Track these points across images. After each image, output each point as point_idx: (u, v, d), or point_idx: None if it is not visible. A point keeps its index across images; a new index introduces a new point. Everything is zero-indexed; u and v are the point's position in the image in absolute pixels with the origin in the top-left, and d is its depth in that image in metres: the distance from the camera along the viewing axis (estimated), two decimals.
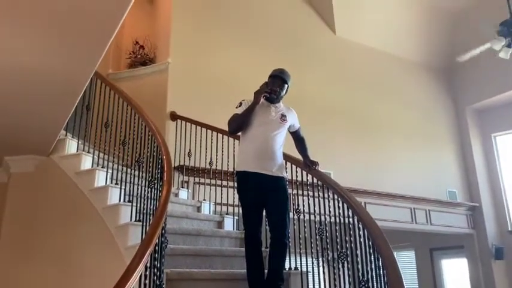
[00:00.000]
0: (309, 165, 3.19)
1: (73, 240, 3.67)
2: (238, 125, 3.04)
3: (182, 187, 4.77)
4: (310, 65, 6.68)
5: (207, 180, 4.65)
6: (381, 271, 2.18)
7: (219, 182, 4.57)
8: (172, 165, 3.92)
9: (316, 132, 6.13)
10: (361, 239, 2.47)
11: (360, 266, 2.47)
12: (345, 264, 2.67)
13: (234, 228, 4.15)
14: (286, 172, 3.22)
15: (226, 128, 4.54)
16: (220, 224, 4.16)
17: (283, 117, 3.09)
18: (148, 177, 3.33)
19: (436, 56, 8.37)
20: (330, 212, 2.98)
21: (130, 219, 3.37)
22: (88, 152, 4.06)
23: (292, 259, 3.22)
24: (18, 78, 2.81)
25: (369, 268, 2.34)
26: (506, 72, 7.52)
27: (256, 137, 2.99)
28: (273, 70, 3.16)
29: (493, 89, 7.94)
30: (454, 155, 8.11)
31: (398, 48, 7.86)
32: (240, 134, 3.11)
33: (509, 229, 7.80)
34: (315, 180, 3.25)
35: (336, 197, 2.94)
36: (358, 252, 2.50)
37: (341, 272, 2.72)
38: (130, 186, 3.56)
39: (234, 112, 3.07)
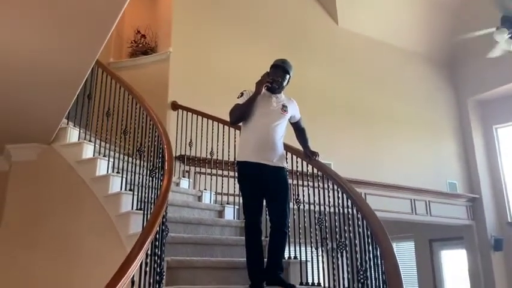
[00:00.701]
0: (309, 155, 3.20)
1: (74, 228, 3.70)
2: (240, 115, 3.05)
3: (183, 177, 4.79)
4: (311, 56, 6.66)
5: (208, 170, 4.67)
6: (379, 261, 2.21)
7: (219, 172, 4.58)
8: (174, 155, 3.94)
9: (317, 123, 6.14)
10: (360, 229, 2.49)
11: (358, 256, 2.50)
12: (344, 254, 2.69)
13: (234, 218, 4.18)
14: (287, 162, 3.24)
15: (227, 118, 4.55)
16: (220, 214, 4.19)
17: (284, 108, 3.10)
18: (150, 166, 3.35)
19: (438, 47, 8.34)
20: (329, 202, 3.00)
21: (132, 208, 3.39)
22: (89, 140, 4.07)
23: (292, 248, 3.24)
24: (19, 66, 2.82)
25: (367, 258, 2.37)
26: (508, 64, 7.50)
27: (257, 127, 3.01)
28: (275, 60, 3.15)
29: (495, 80, 7.92)
30: (454, 147, 8.12)
31: (400, 39, 7.83)
32: (241, 124, 3.12)
33: (509, 220, 7.83)
34: (315, 171, 3.26)
35: (335, 187, 2.96)
36: (357, 242, 2.52)
37: (340, 262, 2.75)
38: (131, 175, 3.58)
39: (235, 102, 3.08)
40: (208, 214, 4.10)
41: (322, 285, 2.96)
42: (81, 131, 4.17)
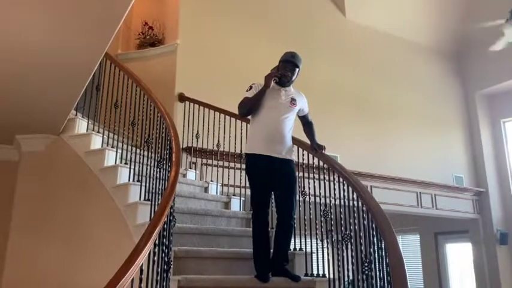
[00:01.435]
0: (315, 148, 3.22)
1: (83, 218, 3.76)
2: (249, 108, 3.07)
3: (190, 168, 4.83)
4: (319, 48, 6.64)
5: (215, 162, 4.71)
6: (383, 253, 2.24)
7: (226, 164, 4.62)
8: (181, 147, 3.98)
9: (324, 116, 6.14)
10: (365, 222, 2.51)
11: (363, 248, 2.52)
12: (349, 246, 2.72)
13: (240, 209, 4.22)
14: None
15: (234, 111, 4.60)
16: (227, 205, 4.23)
17: (293, 101, 3.12)
18: (157, 157, 3.39)
19: (447, 40, 8.28)
20: (335, 194, 3.02)
21: (140, 199, 3.43)
22: (98, 132, 4.11)
23: (297, 240, 3.28)
24: (29, 58, 2.85)
25: (371, 250, 2.39)
26: None
27: (266, 120, 3.03)
28: (284, 54, 3.14)
29: (503, 74, 7.87)
30: (461, 140, 8.09)
31: (409, 32, 7.78)
32: (250, 117, 3.15)
33: None
34: (321, 163, 3.28)
35: (341, 180, 2.98)
36: (362, 234, 2.55)
37: (344, 254, 2.78)
38: (139, 166, 3.61)
39: (244, 95, 3.10)
40: (214, 205, 4.14)
41: (327, 277, 2.98)
42: (90, 122, 4.21)
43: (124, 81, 4.20)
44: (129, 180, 3.63)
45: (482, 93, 8.35)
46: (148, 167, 3.46)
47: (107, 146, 3.98)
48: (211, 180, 4.57)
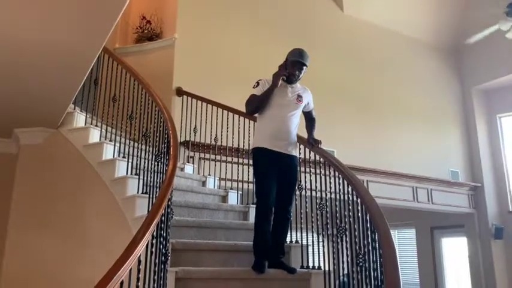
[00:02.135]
0: (312, 143, 3.26)
1: (81, 210, 3.79)
2: (257, 106, 3.11)
3: (188, 162, 4.87)
4: (316, 43, 6.65)
5: (212, 156, 4.74)
6: (377, 245, 2.28)
7: (223, 158, 4.65)
8: (178, 141, 4.00)
9: (321, 110, 6.10)
10: (360, 214, 2.55)
11: (357, 240, 2.57)
12: (344, 239, 2.76)
13: (237, 203, 4.26)
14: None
15: (231, 105, 4.65)
16: (224, 199, 4.27)
17: (299, 97, 3.17)
18: (155, 151, 3.42)
19: (444, 35, 8.30)
20: (330, 188, 3.06)
21: (138, 192, 3.47)
22: (96, 125, 4.14)
23: (294, 233, 3.32)
24: (28, 51, 2.87)
25: (365, 242, 2.43)
26: None
27: (273, 117, 3.08)
28: (293, 52, 3.14)
29: (500, 69, 7.91)
30: (458, 135, 8.14)
31: (406, 27, 7.80)
32: (256, 114, 3.18)
33: (510, 209, 7.88)
34: (318, 157, 3.32)
35: (337, 174, 3.01)
36: (356, 227, 2.59)
37: (339, 246, 2.82)
38: (137, 159, 3.65)
39: (251, 92, 3.13)
40: (212, 199, 4.18)
41: (323, 269, 3.03)
42: (88, 115, 4.23)
43: (122, 75, 4.22)
44: (127, 173, 3.67)
45: (479, 88, 8.39)
46: (146, 161, 3.49)
47: (105, 139, 4.00)
48: (209, 174, 4.61)
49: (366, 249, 2.41)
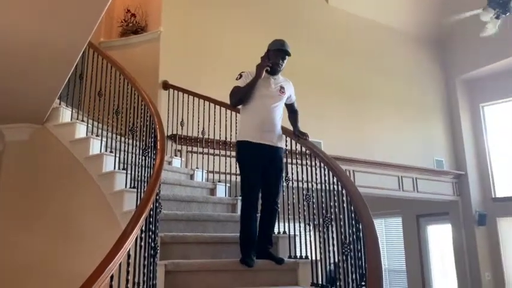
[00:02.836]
0: (298, 135, 3.29)
1: (70, 206, 3.79)
2: (241, 98, 3.13)
3: (175, 155, 4.88)
4: (301, 34, 6.68)
5: (200, 149, 4.76)
6: (361, 234, 2.34)
7: (211, 151, 4.67)
8: (166, 134, 4.01)
9: (307, 102, 6.19)
10: (344, 205, 2.61)
11: (343, 230, 2.63)
12: (330, 228, 2.82)
13: (226, 195, 4.30)
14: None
15: (218, 98, 4.65)
16: (212, 191, 4.30)
17: (282, 89, 3.19)
18: (142, 145, 3.43)
19: (427, 26, 8.38)
20: (316, 179, 3.11)
21: (125, 186, 3.48)
22: (82, 120, 4.12)
23: (281, 224, 3.37)
24: (12, 46, 2.84)
25: (350, 231, 2.49)
26: (495, 43, 7.57)
27: (257, 109, 3.10)
28: (274, 42, 3.19)
29: (482, 59, 8.03)
30: (442, 125, 8.27)
31: (390, 18, 7.86)
32: (240, 106, 3.21)
33: (493, 196, 8.06)
34: (304, 149, 3.36)
35: (322, 165, 3.06)
36: (342, 216, 2.65)
37: (326, 236, 2.88)
38: (124, 154, 3.65)
39: (234, 84, 3.14)
40: (200, 192, 4.21)
41: (310, 258, 3.09)
42: (74, 111, 4.21)
43: (107, 69, 4.20)
44: (114, 168, 3.67)
45: (462, 78, 8.52)
46: (134, 155, 3.50)
47: (92, 134, 3.99)
48: (197, 167, 4.63)
49: (350, 239, 2.47)
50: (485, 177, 8.20)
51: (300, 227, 3.24)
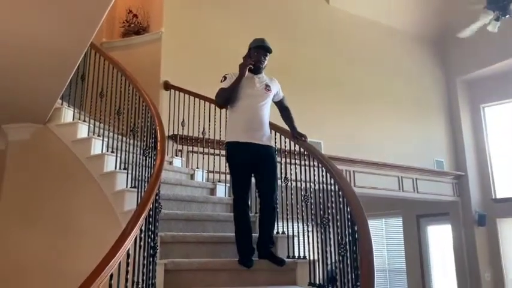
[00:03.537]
0: (296, 137, 3.32)
1: (71, 205, 3.83)
2: (226, 98, 3.16)
3: (176, 155, 4.92)
4: (302, 35, 6.72)
5: (200, 149, 4.80)
6: (357, 235, 2.37)
7: (211, 151, 4.71)
8: (166, 134, 4.05)
9: (307, 102, 6.26)
10: (341, 206, 2.65)
11: (339, 231, 2.66)
12: (327, 229, 2.85)
13: (226, 195, 4.33)
14: (275, 142, 3.38)
15: None
16: (212, 191, 4.33)
17: (267, 87, 3.21)
18: (143, 146, 3.47)
19: (428, 27, 8.40)
20: (314, 180, 3.14)
21: (126, 186, 3.52)
22: (84, 120, 4.17)
23: (280, 224, 3.41)
24: (16, 46, 2.88)
25: (346, 232, 2.53)
26: (496, 44, 7.61)
27: (244, 108, 3.12)
28: (254, 40, 3.24)
29: (483, 60, 8.05)
30: (442, 125, 8.29)
31: (391, 18, 7.88)
32: (227, 106, 3.23)
33: (493, 197, 8.08)
34: (302, 150, 3.39)
35: (320, 166, 3.10)
36: (339, 217, 2.69)
37: (323, 236, 2.92)
38: (125, 154, 3.69)
39: (220, 86, 3.18)
40: (200, 192, 4.25)
41: (308, 259, 3.13)
42: (76, 111, 4.25)
43: (109, 70, 4.24)
44: (115, 168, 3.71)
45: (463, 79, 8.53)
46: (135, 155, 3.54)
47: (93, 134, 4.04)
48: (197, 167, 4.67)
49: (347, 239, 2.50)
50: (485, 178, 8.22)
51: (298, 227, 3.27)
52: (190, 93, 4.95)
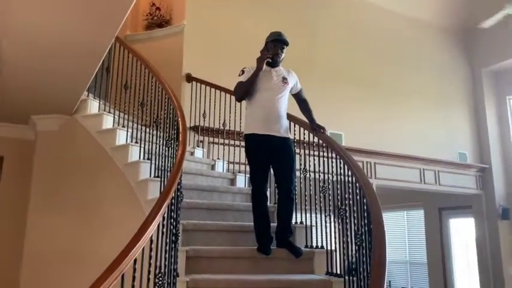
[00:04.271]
0: (315, 129, 3.37)
1: (97, 194, 3.98)
2: (244, 92, 3.23)
3: (198, 146, 5.03)
4: (322, 26, 6.70)
5: (221, 140, 4.89)
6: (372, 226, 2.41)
7: (232, 142, 4.79)
8: (188, 126, 4.15)
9: (328, 94, 6.27)
10: (358, 197, 2.69)
11: (356, 221, 2.71)
12: (344, 220, 2.90)
13: (245, 185, 4.42)
14: (295, 133, 3.44)
15: None
16: (232, 181, 4.43)
17: (284, 80, 3.26)
18: (166, 137, 3.57)
19: (452, 17, 8.24)
20: (333, 172, 3.19)
21: (150, 175, 3.64)
22: (109, 112, 4.29)
23: (298, 214, 3.47)
24: (46, 41, 3.00)
25: (363, 223, 2.57)
26: None
27: (262, 101, 3.19)
28: (271, 34, 3.29)
29: (510, 51, 7.85)
30: (466, 117, 8.15)
31: (414, 9, 7.76)
32: (246, 99, 3.30)
33: None
34: (321, 142, 3.43)
35: (338, 158, 3.13)
36: (355, 208, 2.73)
37: (340, 227, 2.97)
38: (149, 144, 3.80)
39: (238, 80, 3.24)
40: (220, 182, 4.34)
41: (325, 248, 3.18)
42: (101, 102, 4.38)
43: (133, 63, 4.35)
44: (139, 158, 3.82)
45: (489, 70, 8.35)
46: (158, 146, 3.64)
47: (118, 125, 4.16)
48: (218, 158, 4.76)
49: (363, 230, 2.55)
50: (509, 171, 8.06)
51: (316, 217, 3.33)
52: (211, 85, 5.03)
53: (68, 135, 4.35)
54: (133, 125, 4.10)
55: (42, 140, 4.46)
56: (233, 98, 4.73)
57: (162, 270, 2.36)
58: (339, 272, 2.97)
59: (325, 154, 3.35)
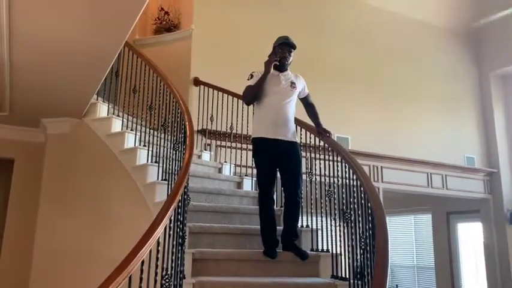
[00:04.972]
0: (321, 133, 3.39)
1: (106, 196, 4.04)
2: (253, 96, 3.26)
3: (205, 149, 5.07)
4: (329, 29, 6.72)
5: (228, 144, 4.93)
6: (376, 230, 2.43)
7: (239, 146, 4.83)
8: (196, 129, 4.18)
9: (335, 97, 6.30)
10: (362, 201, 2.71)
11: (360, 225, 2.73)
12: (349, 223, 2.92)
13: (252, 189, 4.45)
14: (300, 138, 3.47)
15: None
16: (239, 185, 4.46)
17: (292, 84, 3.30)
18: (173, 140, 3.62)
19: (460, 20, 8.22)
20: (338, 175, 3.21)
21: (157, 178, 3.68)
22: (118, 115, 4.35)
23: (304, 218, 3.50)
24: (57, 47, 3.07)
25: (367, 227, 2.59)
26: None
27: (270, 105, 3.22)
28: (279, 38, 3.32)
29: None
30: (474, 121, 8.11)
31: (421, 12, 7.75)
32: (254, 103, 3.33)
33: None
34: (326, 145, 3.46)
35: (343, 161, 3.16)
36: (360, 212, 2.75)
37: (345, 230, 2.99)
38: (157, 148, 3.85)
39: (247, 84, 3.28)
40: (227, 185, 4.38)
41: (331, 252, 3.20)
42: (110, 106, 4.45)
43: (142, 67, 4.41)
44: (147, 161, 3.87)
45: (497, 73, 8.31)
46: (165, 149, 3.69)
47: (127, 129, 4.22)
48: (225, 161, 4.80)
49: (367, 234, 2.57)
50: None
51: (321, 221, 3.35)
52: (219, 89, 5.08)
53: (78, 138, 4.42)
54: (141, 128, 4.16)
55: (52, 142, 4.53)
56: (240, 101, 4.80)
57: (169, 272, 2.40)
58: (344, 275, 2.99)
59: (331, 158, 3.37)
